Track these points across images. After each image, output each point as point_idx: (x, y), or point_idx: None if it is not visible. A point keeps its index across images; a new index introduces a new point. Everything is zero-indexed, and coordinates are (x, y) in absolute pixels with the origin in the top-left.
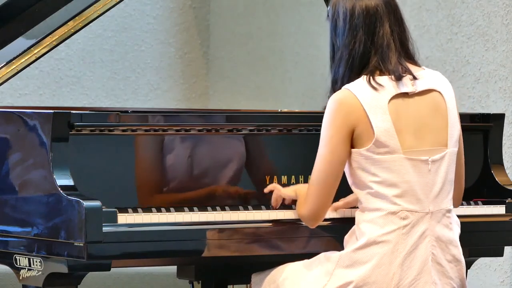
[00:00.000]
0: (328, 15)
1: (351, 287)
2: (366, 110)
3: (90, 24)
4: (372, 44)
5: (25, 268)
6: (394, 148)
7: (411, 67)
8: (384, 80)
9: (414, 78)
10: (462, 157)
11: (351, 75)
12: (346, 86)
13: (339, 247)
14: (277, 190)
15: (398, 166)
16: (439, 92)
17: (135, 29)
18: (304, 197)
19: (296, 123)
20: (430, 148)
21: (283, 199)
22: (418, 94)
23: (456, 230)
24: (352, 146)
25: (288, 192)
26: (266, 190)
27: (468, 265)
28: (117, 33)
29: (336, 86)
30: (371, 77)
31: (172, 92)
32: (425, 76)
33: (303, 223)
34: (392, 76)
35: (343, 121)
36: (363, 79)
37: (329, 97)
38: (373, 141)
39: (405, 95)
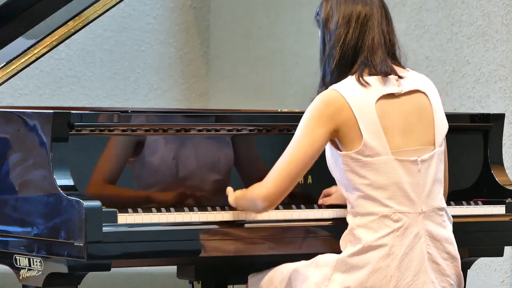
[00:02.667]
0: (317, 14)
1: None
2: (353, 111)
3: (90, 24)
4: (361, 43)
5: (25, 268)
6: (382, 149)
7: (396, 68)
8: (371, 80)
9: (399, 77)
10: (446, 157)
11: (340, 72)
12: (334, 86)
13: (338, 247)
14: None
15: (387, 167)
16: (424, 92)
17: (135, 29)
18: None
19: (296, 123)
20: (418, 148)
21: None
22: (404, 95)
23: (449, 227)
24: (340, 149)
25: (231, 200)
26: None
27: (468, 265)
28: (117, 33)
29: (324, 82)
30: (360, 76)
31: (172, 92)
32: (410, 77)
33: (305, 223)
34: (379, 77)
35: (327, 120)
36: (351, 78)
37: (318, 92)
38: (361, 143)
39: (391, 96)
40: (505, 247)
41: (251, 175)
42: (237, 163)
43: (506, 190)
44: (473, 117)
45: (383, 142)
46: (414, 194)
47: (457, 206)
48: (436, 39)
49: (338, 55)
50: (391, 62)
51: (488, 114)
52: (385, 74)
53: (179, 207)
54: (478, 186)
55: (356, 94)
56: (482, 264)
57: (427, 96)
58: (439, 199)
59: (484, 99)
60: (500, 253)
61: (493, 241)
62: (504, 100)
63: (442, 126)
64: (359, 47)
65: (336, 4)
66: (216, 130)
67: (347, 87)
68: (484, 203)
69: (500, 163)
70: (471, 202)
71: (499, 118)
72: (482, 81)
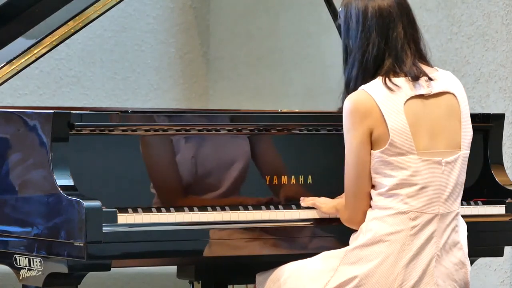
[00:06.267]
0: (339, 17)
1: (354, 283)
2: (382, 111)
3: (90, 24)
4: (386, 46)
5: (25, 268)
6: (408, 149)
7: (425, 68)
8: (401, 81)
9: (430, 79)
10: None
11: (365, 77)
12: (362, 87)
13: (341, 247)
14: (318, 207)
15: (411, 166)
16: (453, 94)
17: (135, 29)
18: (343, 205)
19: (296, 123)
20: (444, 150)
21: None
22: (433, 96)
23: (463, 233)
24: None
25: (330, 210)
26: (303, 204)
27: None
28: (117, 33)
29: (349, 88)
30: (387, 78)
31: (172, 92)
32: (440, 78)
33: (304, 223)
34: (409, 78)
35: (361, 123)
36: (379, 80)
37: (342, 100)
38: (388, 142)
39: (420, 96)
40: (505, 247)
41: (252, 175)
42: (236, 164)
43: (506, 190)
44: (473, 117)
45: (410, 142)
46: (435, 195)
47: None
48: (436, 39)
49: (359, 62)
50: (419, 61)
51: (488, 114)
52: (415, 78)
53: (179, 207)
54: (478, 186)
55: (385, 94)
56: (482, 264)
57: (456, 98)
58: (457, 204)
59: (484, 99)
60: (500, 253)
61: (493, 241)
62: (504, 100)
63: (468, 130)
64: (383, 51)
65: (354, 9)
66: (216, 130)
67: (376, 88)
68: (484, 203)
69: (500, 163)
70: (471, 202)
71: (499, 118)
72: (482, 81)
